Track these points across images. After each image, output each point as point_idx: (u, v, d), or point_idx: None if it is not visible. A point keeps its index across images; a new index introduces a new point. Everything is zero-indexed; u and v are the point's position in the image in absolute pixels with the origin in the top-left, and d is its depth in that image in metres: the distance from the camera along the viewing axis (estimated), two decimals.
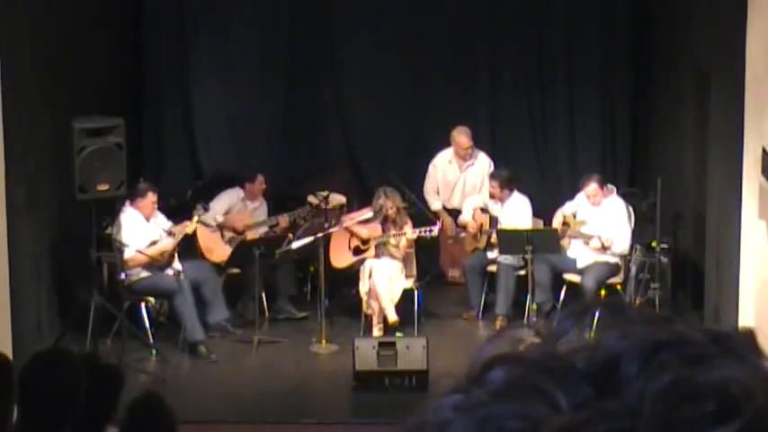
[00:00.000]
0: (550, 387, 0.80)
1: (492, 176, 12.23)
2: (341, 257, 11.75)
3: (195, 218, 11.42)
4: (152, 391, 5.85)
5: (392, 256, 11.55)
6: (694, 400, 0.77)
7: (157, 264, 11.09)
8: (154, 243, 11.09)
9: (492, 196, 12.13)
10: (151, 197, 11.13)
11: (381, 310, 11.24)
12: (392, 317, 11.16)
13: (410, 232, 11.51)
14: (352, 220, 11.81)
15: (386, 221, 11.63)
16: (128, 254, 10.95)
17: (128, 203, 11.08)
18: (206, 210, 11.72)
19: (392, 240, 11.55)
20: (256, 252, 11.24)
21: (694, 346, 0.81)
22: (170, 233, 11.19)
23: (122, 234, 10.94)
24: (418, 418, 0.84)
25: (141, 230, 11.08)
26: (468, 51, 14.24)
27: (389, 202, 11.60)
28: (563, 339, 0.86)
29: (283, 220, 12.11)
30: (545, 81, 14.34)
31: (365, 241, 11.64)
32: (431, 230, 11.54)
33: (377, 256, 11.57)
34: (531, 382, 0.81)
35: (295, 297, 12.20)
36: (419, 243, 11.78)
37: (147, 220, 11.15)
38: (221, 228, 11.94)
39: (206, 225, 11.80)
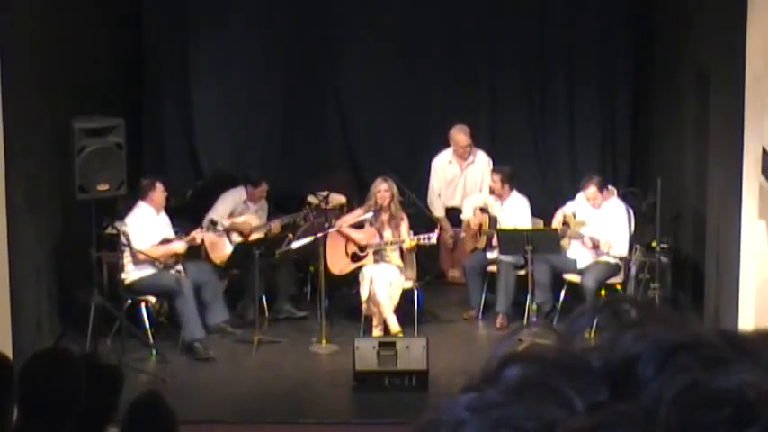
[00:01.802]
0: (565, 387, 0.80)
1: (494, 171, 12.22)
2: (339, 264, 11.72)
3: (202, 231, 11.51)
4: (153, 390, 5.85)
5: (391, 261, 11.52)
6: (710, 406, 0.77)
7: (163, 262, 11.17)
8: (165, 240, 11.17)
9: (492, 192, 12.12)
10: (160, 188, 11.27)
11: (383, 317, 11.23)
12: (395, 327, 11.13)
13: (408, 240, 11.49)
14: (346, 222, 11.77)
15: (380, 213, 11.54)
16: (141, 246, 10.97)
17: (140, 201, 11.16)
18: (214, 225, 11.75)
19: (390, 246, 11.53)
20: (256, 252, 11.25)
21: (712, 348, 0.81)
22: (178, 239, 11.30)
23: (134, 228, 11.00)
24: (432, 416, 0.83)
25: (153, 225, 11.20)
26: (468, 51, 14.23)
27: (384, 185, 11.54)
28: (579, 338, 0.85)
29: (275, 226, 12.11)
30: (545, 81, 14.35)
31: (362, 248, 11.61)
32: (429, 237, 11.50)
33: (375, 261, 11.55)
34: (545, 381, 0.80)
35: (295, 297, 12.20)
36: (418, 245, 11.75)
37: (158, 213, 11.26)
38: (227, 232, 11.93)
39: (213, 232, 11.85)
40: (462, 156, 12.77)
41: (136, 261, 11.08)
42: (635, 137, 14.26)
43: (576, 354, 0.83)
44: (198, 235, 11.48)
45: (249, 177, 12.24)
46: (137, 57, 14.24)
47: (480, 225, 12.25)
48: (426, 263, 12.52)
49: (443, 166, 12.88)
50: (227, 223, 11.94)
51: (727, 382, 0.78)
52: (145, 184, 11.33)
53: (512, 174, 12.09)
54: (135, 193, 11.40)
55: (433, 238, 11.54)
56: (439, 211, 12.85)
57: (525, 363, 0.82)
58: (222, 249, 11.86)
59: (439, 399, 0.84)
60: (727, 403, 0.77)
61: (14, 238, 9.72)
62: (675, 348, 0.81)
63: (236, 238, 11.92)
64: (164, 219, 11.38)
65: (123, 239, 11.02)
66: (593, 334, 0.86)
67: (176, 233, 11.45)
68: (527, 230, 11.70)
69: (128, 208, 11.30)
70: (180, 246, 11.26)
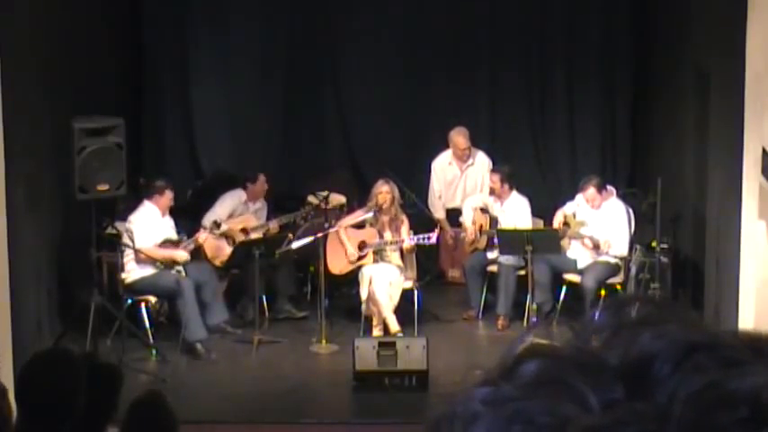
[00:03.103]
0: (581, 384, 0.80)
1: (494, 171, 12.22)
2: (339, 264, 11.72)
3: (205, 233, 11.50)
4: (153, 390, 5.85)
5: (391, 261, 11.51)
6: (725, 406, 0.77)
7: (164, 262, 11.17)
8: (167, 241, 11.17)
9: (492, 192, 12.12)
10: (169, 194, 11.27)
11: (383, 317, 11.23)
12: (394, 327, 11.13)
13: (408, 240, 11.48)
14: (346, 222, 11.76)
15: (380, 214, 11.54)
16: (143, 245, 10.97)
17: (145, 200, 11.16)
18: (218, 226, 11.73)
19: (390, 246, 11.52)
20: (256, 252, 11.24)
21: (729, 349, 0.81)
22: (178, 243, 11.29)
23: (138, 226, 11.00)
24: (447, 409, 0.83)
25: (157, 225, 11.21)
26: (468, 51, 14.24)
27: (386, 186, 11.54)
28: (596, 336, 0.85)
29: (274, 226, 12.12)
30: (545, 81, 14.35)
31: (362, 248, 11.60)
32: (428, 238, 11.50)
33: (375, 261, 11.54)
34: (561, 378, 0.81)
35: (295, 297, 12.20)
36: (418, 244, 11.76)
37: (162, 215, 11.27)
38: (226, 236, 11.92)
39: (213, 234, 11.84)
40: (461, 158, 12.78)
41: (138, 260, 11.08)
42: (635, 137, 14.26)
43: (592, 351, 0.83)
44: (202, 235, 11.49)
45: (248, 177, 12.24)
46: (137, 57, 14.24)
47: (481, 225, 12.25)
48: (426, 263, 12.51)
49: (443, 168, 12.88)
50: (225, 227, 11.94)
51: (743, 384, 0.78)
52: (156, 185, 11.30)
53: (511, 173, 12.09)
54: (135, 193, 11.39)
55: (433, 238, 11.53)
56: (439, 213, 12.84)
57: (542, 359, 0.83)
58: (221, 252, 11.85)
59: (446, 396, 0.84)
60: (742, 404, 0.77)
61: (14, 238, 9.71)
62: (692, 348, 0.81)
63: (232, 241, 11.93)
64: (168, 221, 11.37)
65: (126, 237, 11.02)
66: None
67: (178, 233, 11.45)
68: (527, 230, 11.70)
69: (132, 206, 11.31)
70: (182, 255, 11.24)
